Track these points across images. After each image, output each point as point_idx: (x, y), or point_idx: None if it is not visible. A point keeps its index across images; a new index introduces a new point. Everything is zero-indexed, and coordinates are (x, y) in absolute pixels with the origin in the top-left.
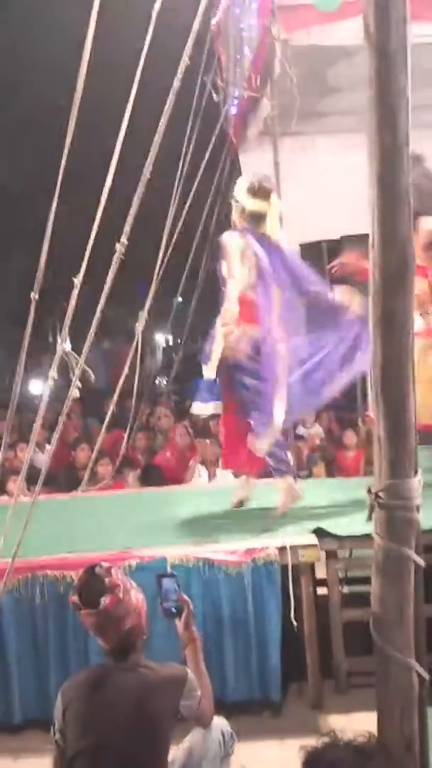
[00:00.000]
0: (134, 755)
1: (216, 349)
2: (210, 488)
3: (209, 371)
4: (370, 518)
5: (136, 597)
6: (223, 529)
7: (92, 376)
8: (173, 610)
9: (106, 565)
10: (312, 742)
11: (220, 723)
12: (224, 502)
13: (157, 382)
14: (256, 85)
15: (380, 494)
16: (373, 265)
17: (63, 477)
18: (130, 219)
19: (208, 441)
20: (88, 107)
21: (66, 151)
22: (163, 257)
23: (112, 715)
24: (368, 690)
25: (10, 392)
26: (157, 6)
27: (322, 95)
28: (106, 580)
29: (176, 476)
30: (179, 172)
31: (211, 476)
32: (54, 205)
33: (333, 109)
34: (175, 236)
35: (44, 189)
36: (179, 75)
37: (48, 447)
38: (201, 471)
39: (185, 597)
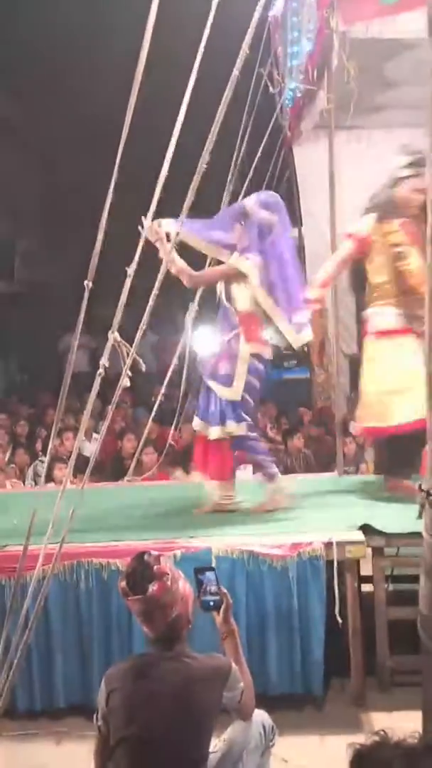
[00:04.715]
0: (177, 745)
1: (240, 369)
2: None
3: (233, 393)
4: (420, 516)
5: (184, 586)
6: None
7: (143, 365)
8: (211, 603)
9: (155, 552)
10: (353, 738)
11: (261, 716)
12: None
13: None
14: (312, 77)
15: None
16: (429, 270)
17: (110, 466)
18: (184, 211)
19: None
20: (144, 98)
21: (123, 140)
22: None
23: (155, 704)
24: (411, 689)
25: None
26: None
27: (380, 89)
28: (155, 567)
29: None
30: (232, 165)
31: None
32: (109, 196)
33: (391, 103)
34: None
35: (100, 180)
36: (238, 66)
37: (95, 435)
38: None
39: (224, 590)
